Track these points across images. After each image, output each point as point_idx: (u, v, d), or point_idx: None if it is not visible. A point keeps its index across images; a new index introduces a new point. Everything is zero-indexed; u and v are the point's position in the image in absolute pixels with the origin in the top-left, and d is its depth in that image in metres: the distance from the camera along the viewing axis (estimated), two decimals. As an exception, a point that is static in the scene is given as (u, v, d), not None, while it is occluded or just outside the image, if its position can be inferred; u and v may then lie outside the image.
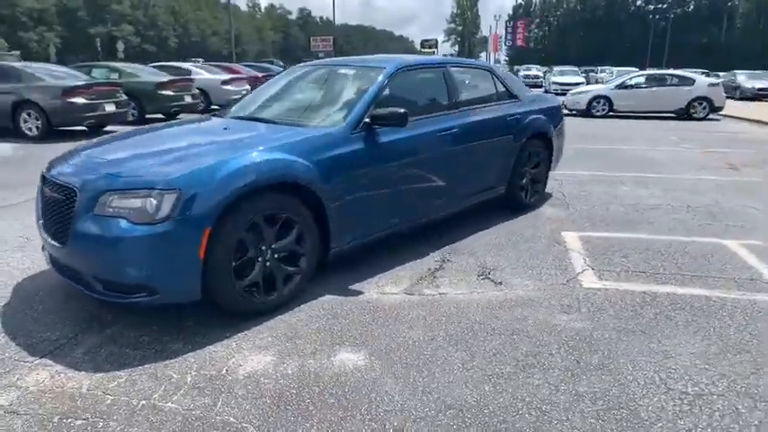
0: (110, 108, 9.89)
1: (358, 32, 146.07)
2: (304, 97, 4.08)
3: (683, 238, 4.26)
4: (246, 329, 2.78)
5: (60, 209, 2.75)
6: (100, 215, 2.58)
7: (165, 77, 12.30)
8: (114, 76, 12.02)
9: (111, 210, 2.57)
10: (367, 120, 3.38)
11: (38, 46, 52.87)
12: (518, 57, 68.04)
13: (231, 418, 2.11)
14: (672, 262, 3.75)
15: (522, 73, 36.64)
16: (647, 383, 2.32)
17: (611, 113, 14.83)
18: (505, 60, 57.97)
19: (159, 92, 11.83)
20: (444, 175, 3.99)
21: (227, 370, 2.44)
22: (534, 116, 4.90)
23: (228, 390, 2.29)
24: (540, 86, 28.58)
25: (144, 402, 2.20)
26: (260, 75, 17.00)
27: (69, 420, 2.10)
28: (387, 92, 3.68)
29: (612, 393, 2.26)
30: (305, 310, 3.00)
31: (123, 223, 2.53)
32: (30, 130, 9.16)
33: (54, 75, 9.90)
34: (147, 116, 11.59)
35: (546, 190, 5.70)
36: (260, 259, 2.88)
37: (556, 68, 30.60)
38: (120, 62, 18.28)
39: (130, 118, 11.13)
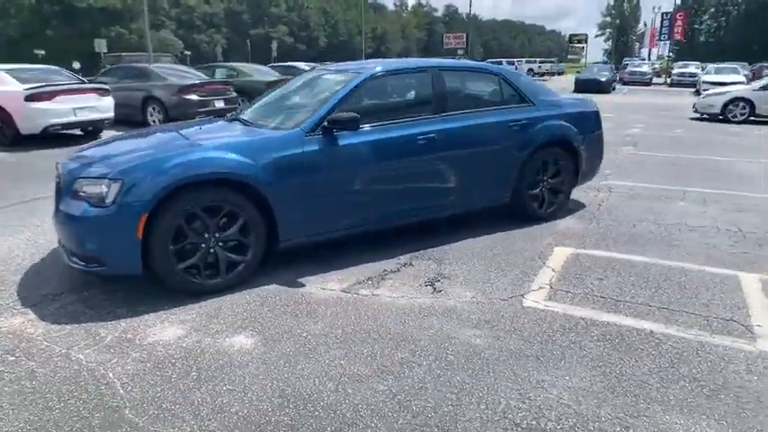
0: (219, 104, 11.20)
1: (505, 28, 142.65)
2: (289, 100, 4.39)
3: (691, 266, 3.77)
4: (184, 306, 3.19)
5: (57, 193, 3.42)
6: (73, 198, 3.17)
7: (274, 77, 13.49)
8: (232, 75, 13.53)
9: (81, 194, 3.14)
10: (326, 124, 3.58)
11: (207, 46, 60.46)
12: (684, 52, 60.67)
13: (110, 373, 2.52)
14: (649, 291, 3.38)
15: (676, 71, 32.95)
16: (489, 409, 2.24)
17: (751, 118, 12.85)
18: (668, 57, 52.26)
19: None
20: (419, 179, 4.02)
21: (141, 336, 2.86)
22: (551, 122, 4.64)
23: (128, 351, 2.71)
24: (694, 86, 25.46)
25: (63, 351, 2.71)
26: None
27: (5, 356, 2.68)
28: (360, 97, 3.85)
29: (443, 411, 2.23)
30: (243, 296, 3.33)
31: (85, 205, 3.08)
32: (153, 122, 10.81)
33: (177, 74, 11.50)
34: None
35: (585, 201, 5.37)
36: (203, 246, 3.26)
37: (711, 65, 26.93)
38: (261, 63, 20.41)
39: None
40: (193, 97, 10.72)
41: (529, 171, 4.57)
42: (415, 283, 3.52)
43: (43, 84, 8.51)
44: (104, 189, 3.04)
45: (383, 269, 3.73)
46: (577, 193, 5.35)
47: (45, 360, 2.64)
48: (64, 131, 9.18)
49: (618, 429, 2.12)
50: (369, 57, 47.40)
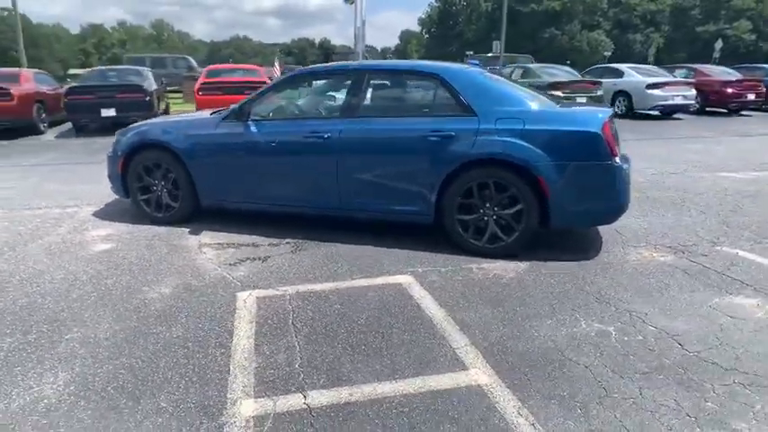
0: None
1: None
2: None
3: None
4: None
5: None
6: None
7: (563, 77, 13.09)
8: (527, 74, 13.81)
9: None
10: (233, 114, 4.47)
11: (640, 47, 57.16)
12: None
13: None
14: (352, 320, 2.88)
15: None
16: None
17: None
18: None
19: (548, 92, 12.79)
20: (318, 175, 4.30)
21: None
22: (491, 137, 3.84)
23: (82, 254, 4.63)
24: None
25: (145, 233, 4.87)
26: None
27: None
28: (280, 94, 4.49)
29: None
30: (153, 229, 4.71)
31: (109, 150, 5.13)
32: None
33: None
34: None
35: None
36: (153, 188, 4.84)
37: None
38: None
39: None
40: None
41: (455, 191, 3.98)
42: (239, 254, 4.08)
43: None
44: (113, 144, 5.00)
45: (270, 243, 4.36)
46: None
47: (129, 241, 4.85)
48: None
49: None
50: None
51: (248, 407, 2.26)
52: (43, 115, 11.06)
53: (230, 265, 3.89)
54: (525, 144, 3.79)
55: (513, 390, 2.38)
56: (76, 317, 3.09)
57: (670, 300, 3.31)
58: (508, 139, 3.83)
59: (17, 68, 12.89)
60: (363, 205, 4.29)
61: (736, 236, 4.55)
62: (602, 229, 4.68)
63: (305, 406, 2.26)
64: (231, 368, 2.55)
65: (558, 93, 12.60)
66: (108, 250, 4.20)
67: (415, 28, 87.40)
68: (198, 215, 4.85)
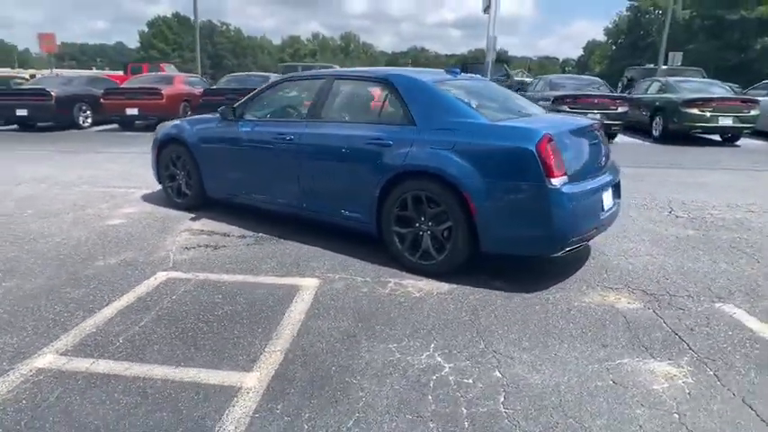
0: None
1: None
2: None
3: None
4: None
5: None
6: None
7: (692, 95, 11.23)
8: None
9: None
10: (226, 113, 4.92)
11: None
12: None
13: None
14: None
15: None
16: None
17: None
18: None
19: (683, 110, 11.11)
20: (283, 175, 4.52)
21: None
22: (422, 148, 3.67)
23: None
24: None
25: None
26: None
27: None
28: (268, 98, 4.83)
29: (18, 262, 3.92)
30: (168, 212, 5.40)
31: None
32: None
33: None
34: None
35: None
36: (177, 177, 5.55)
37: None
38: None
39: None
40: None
41: (392, 202, 3.87)
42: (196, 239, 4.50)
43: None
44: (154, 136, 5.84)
45: (240, 235, 4.76)
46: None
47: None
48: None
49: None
50: None
51: (46, 359, 2.60)
52: (189, 112, 13.07)
53: (185, 248, 4.32)
54: (454, 157, 3.54)
55: (269, 400, 2.33)
56: (26, 267, 3.79)
57: (563, 349, 2.82)
58: (439, 151, 3.61)
59: (175, 73, 15.39)
60: (320, 207, 4.40)
61: (759, 293, 3.60)
62: (592, 262, 4.10)
63: (85, 369, 2.52)
64: (70, 328, 2.93)
65: (695, 111, 10.95)
66: (115, 225, 4.97)
67: (602, 38, 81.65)
68: (216, 205, 5.38)
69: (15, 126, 12.91)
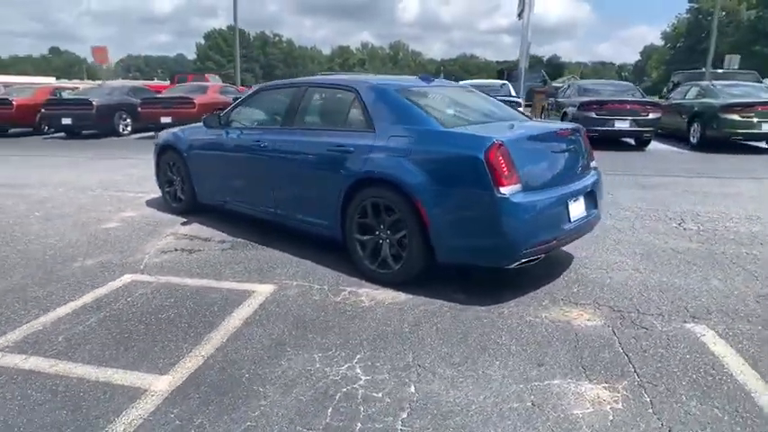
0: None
1: None
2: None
3: (214, 353, 2.76)
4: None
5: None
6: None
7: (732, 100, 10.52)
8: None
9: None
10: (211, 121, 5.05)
11: None
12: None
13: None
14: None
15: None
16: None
17: None
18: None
19: (722, 115, 10.45)
20: (259, 180, 4.59)
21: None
22: (376, 155, 3.64)
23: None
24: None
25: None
26: None
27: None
28: (251, 104, 4.93)
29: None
30: (164, 216, 5.59)
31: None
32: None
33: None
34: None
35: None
36: (174, 182, 5.74)
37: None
38: None
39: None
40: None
41: (353, 209, 3.84)
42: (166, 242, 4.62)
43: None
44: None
45: (220, 240, 4.88)
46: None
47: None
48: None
49: None
50: None
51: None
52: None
53: (163, 252, 4.45)
54: (408, 165, 3.47)
55: (169, 403, 2.34)
56: (8, 266, 4.01)
57: (493, 367, 2.69)
58: (394, 158, 3.56)
59: (210, 83, 15.96)
60: (291, 214, 4.42)
61: (741, 314, 3.31)
62: (569, 275, 3.93)
63: (14, 365, 2.64)
64: (20, 325, 3.07)
65: (735, 116, 10.29)
66: (109, 228, 5.19)
67: (660, 42, 78.26)
68: (213, 211, 5.49)
69: (63, 134, 13.80)
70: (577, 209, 3.68)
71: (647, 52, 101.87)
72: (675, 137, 12.71)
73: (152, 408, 2.31)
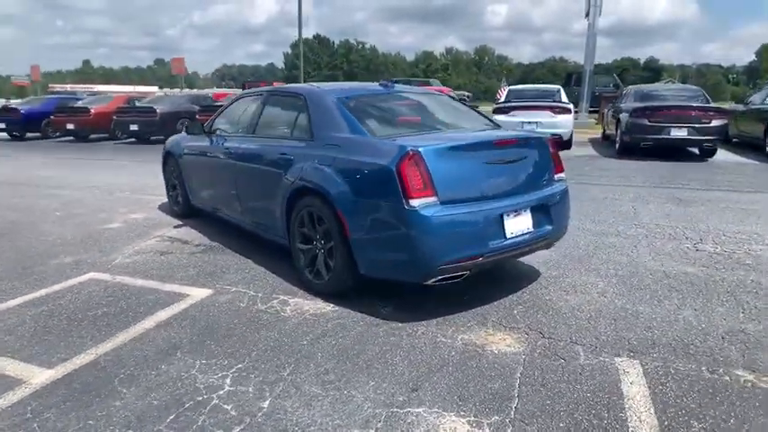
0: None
1: None
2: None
3: (111, 353, 2.88)
4: (167, 213, 6.24)
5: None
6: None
7: None
8: None
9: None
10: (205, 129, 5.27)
11: None
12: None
13: (104, 214, 6.23)
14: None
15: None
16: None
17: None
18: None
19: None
20: (226, 187, 4.74)
21: (138, 212, 6.29)
22: (308, 164, 3.63)
23: (123, 213, 6.27)
24: None
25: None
26: None
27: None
28: (227, 112, 5.11)
29: None
30: (166, 219, 5.91)
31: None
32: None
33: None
34: None
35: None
36: (176, 188, 6.07)
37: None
38: None
39: None
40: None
41: (294, 218, 3.84)
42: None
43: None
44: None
45: (198, 244, 5.09)
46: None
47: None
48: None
49: None
50: None
51: None
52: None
53: (138, 253, 4.71)
54: (333, 174, 3.43)
55: (34, 396, 2.48)
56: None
57: (364, 388, 2.57)
58: (321, 167, 3.53)
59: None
60: (253, 221, 4.52)
61: (691, 351, 2.91)
62: (520, 295, 3.69)
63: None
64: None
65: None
66: (108, 228, 5.58)
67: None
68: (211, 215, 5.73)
69: (133, 139, 15.08)
70: (519, 224, 3.42)
71: (764, 52, 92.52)
72: (752, 146, 11.40)
73: (16, 399, 2.45)
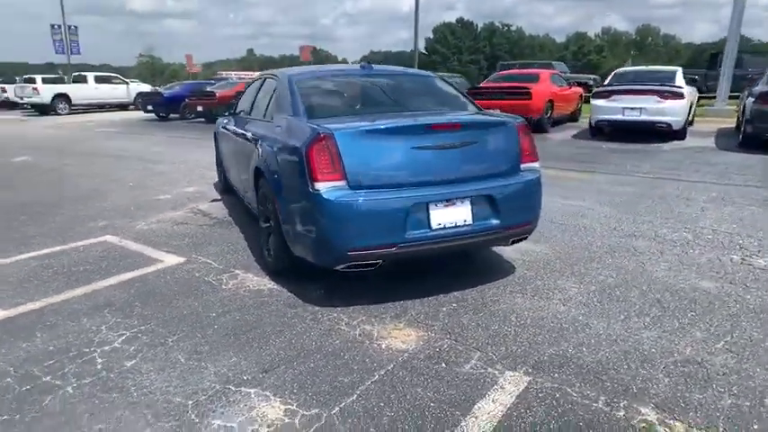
0: None
1: None
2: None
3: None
4: (217, 188, 6.84)
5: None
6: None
7: None
8: None
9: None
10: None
11: None
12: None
13: (167, 186, 7.02)
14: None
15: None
16: None
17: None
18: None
19: None
20: (236, 167, 5.04)
21: (194, 187, 6.98)
22: (265, 146, 3.72)
23: (182, 186, 7.01)
24: None
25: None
26: None
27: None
28: (243, 95, 5.41)
29: None
30: (210, 195, 6.46)
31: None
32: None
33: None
34: None
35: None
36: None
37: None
38: None
39: None
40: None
41: (260, 197, 3.98)
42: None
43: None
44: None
45: (212, 219, 5.53)
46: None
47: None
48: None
49: None
50: None
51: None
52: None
53: (158, 222, 5.25)
54: (271, 155, 3.51)
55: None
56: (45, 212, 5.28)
57: (216, 361, 2.64)
58: (266, 147, 3.63)
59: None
60: (245, 196, 4.77)
61: (591, 370, 2.49)
62: (469, 295, 3.44)
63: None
64: (-7, 262, 4.12)
65: None
66: (157, 199, 6.25)
67: None
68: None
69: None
70: (451, 215, 3.16)
71: None
72: None
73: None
